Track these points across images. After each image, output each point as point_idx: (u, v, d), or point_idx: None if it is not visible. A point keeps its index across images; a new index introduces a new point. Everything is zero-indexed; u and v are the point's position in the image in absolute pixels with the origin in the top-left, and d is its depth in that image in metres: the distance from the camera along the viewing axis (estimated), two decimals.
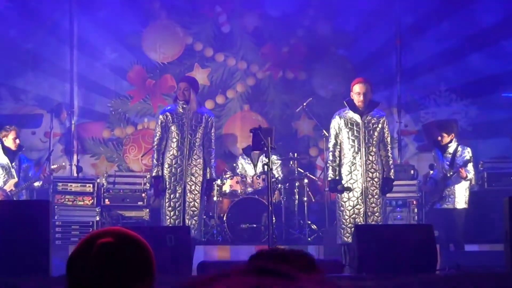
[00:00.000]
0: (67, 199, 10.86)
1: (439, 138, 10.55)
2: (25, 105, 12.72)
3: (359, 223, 8.79)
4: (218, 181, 10.67)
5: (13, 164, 10.43)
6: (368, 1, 12.58)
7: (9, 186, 10.19)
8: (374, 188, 9.03)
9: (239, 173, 11.41)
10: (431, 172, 10.86)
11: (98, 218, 10.96)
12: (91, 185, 11.13)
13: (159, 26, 13.07)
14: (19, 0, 12.34)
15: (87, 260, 2.20)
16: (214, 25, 13.00)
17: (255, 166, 11.49)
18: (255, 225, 10.53)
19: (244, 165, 11.50)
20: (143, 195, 11.14)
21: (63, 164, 11.76)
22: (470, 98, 12.74)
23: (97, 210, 10.90)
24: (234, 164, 11.93)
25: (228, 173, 11.27)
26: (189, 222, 9.19)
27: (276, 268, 0.61)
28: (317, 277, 0.63)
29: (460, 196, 10.20)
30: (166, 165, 9.52)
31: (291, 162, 11.32)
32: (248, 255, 7.53)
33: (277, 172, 11.10)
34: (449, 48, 12.63)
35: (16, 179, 10.34)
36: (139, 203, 11.08)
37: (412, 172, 11.48)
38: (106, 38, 12.83)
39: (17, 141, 10.56)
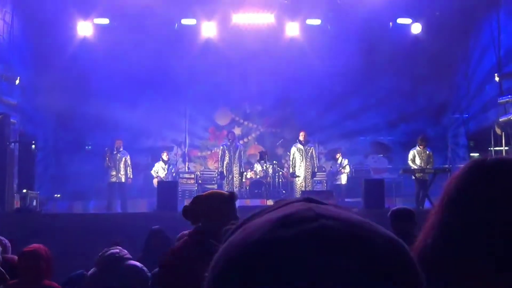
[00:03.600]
0: (184, 181, 11.26)
1: (336, 155, 11.23)
2: (167, 143, 12.84)
3: (303, 190, 9.57)
4: (245, 173, 10.84)
5: (166, 166, 10.77)
6: (310, 94, 11.98)
7: (162, 176, 10.54)
8: (309, 176, 9.79)
9: (254, 170, 11.26)
10: (331, 168, 11.51)
11: (196, 188, 11.09)
12: (193, 175, 11.57)
13: (221, 111, 13.22)
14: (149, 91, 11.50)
15: None
16: (243, 110, 13.25)
17: (262, 166, 11.01)
18: (260, 191, 10.61)
19: (258, 166, 11.22)
20: (214, 179, 11.36)
21: (176, 168, 11.58)
22: (346, 138, 12.69)
23: (196, 185, 11.27)
24: (252, 166, 11.64)
25: (248, 170, 11.31)
26: (235, 190, 9.54)
27: (317, 199, 0.45)
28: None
29: (344, 179, 10.89)
30: (224, 167, 10.30)
31: (274, 164, 11.12)
32: (257, 204, 9.51)
33: (270, 168, 10.85)
34: (348, 113, 12.19)
35: (166, 172, 10.67)
36: (212, 182, 11.35)
37: (324, 169, 11.77)
38: (199, 116, 12.90)
39: (167, 155, 10.93)
